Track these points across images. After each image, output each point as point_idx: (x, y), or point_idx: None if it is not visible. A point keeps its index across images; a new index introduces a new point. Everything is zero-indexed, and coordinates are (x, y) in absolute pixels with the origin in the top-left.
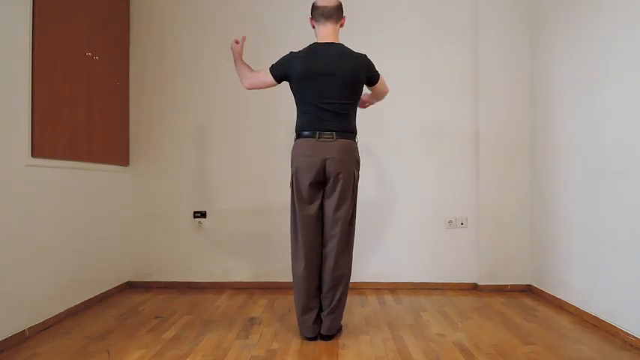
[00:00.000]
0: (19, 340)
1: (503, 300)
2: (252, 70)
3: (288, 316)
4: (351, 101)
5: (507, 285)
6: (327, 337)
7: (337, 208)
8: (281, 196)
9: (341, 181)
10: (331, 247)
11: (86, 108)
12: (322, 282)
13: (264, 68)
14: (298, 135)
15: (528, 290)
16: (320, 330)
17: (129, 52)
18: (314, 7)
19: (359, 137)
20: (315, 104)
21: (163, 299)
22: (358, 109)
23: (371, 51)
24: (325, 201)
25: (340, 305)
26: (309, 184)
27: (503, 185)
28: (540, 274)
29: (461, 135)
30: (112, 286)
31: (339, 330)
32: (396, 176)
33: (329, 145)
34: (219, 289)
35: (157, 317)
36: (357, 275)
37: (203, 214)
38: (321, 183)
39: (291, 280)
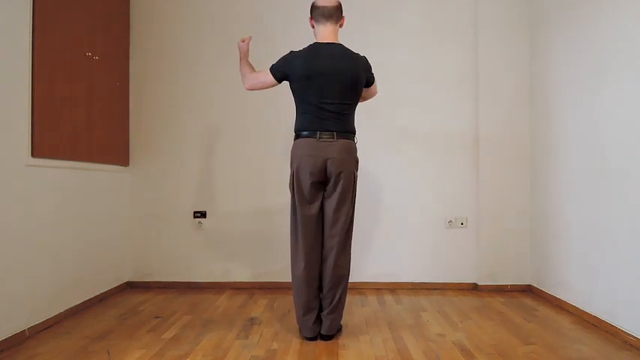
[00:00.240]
0: (19, 340)
1: (503, 300)
2: (254, 71)
3: (288, 316)
4: (351, 101)
5: (507, 285)
6: (327, 337)
7: (338, 208)
8: (281, 196)
9: (342, 181)
10: (331, 247)
11: (86, 108)
12: (322, 282)
13: (264, 69)
14: (298, 135)
15: (528, 290)
16: (320, 330)
17: (129, 52)
18: (313, 7)
19: (359, 137)
20: (316, 104)
21: (163, 299)
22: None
23: (371, 51)
24: (325, 201)
25: (340, 305)
26: (311, 183)
27: (503, 185)
28: (540, 274)
29: (461, 135)
30: (112, 286)
31: (339, 330)
32: (396, 176)
33: (329, 145)
34: (219, 289)
35: (156, 317)
36: (357, 275)
37: (203, 214)
38: (321, 183)
39: (291, 280)
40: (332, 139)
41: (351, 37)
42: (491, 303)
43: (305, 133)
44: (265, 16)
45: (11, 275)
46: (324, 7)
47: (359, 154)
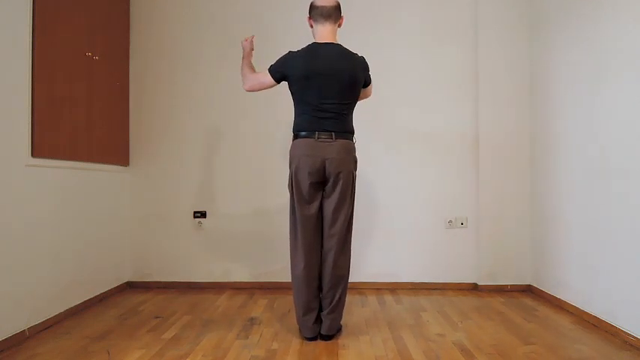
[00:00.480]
0: (19, 340)
1: (503, 300)
2: (253, 72)
3: (288, 316)
4: (349, 101)
5: (507, 285)
6: (327, 337)
7: (337, 207)
8: (281, 196)
9: (341, 181)
10: (330, 247)
11: (86, 108)
12: (322, 282)
13: (263, 70)
14: (296, 135)
15: (528, 290)
16: (320, 330)
17: (129, 52)
18: (312, 7)
19: (359, 137)
20: (315, 104)
21: (163, 299)
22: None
23: (371, 51)
24: (325, 201)
25: (340, 305)
26: (310, 183)
27: (503, 185)
28: (540, 274)
29: (461, 135)
30: (112, 286)
31: (339, 330)
32: (396, 176)
33: (328, 146)
34: (219, 289)
35: (157, 317)
36: (357, 275)
37: (203, 214)
38: (321, 183)
39: (291, 281)
40: (330, 139)
41: (351, 37)
42: (491, 303)
43: (303, 133)
44: (265, 16)
45: (11, 275)
46: (322, 6)
47: (358, 154)
